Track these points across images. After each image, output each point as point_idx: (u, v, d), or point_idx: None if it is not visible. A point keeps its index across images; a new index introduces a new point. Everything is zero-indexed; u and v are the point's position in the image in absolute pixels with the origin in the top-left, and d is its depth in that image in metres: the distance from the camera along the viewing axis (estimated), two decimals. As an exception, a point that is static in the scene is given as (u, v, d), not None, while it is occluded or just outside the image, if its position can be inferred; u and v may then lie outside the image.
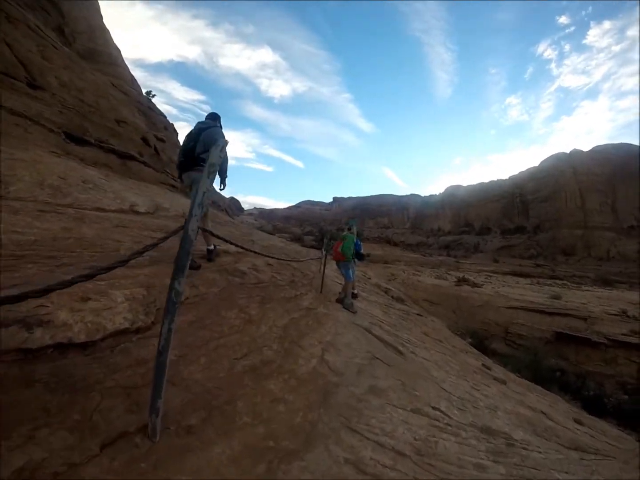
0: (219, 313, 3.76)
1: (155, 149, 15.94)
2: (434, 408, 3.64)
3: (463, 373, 6.24)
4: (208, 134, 4.81)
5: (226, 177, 5.26)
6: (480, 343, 20.52)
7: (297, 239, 53.73)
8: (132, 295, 3.15)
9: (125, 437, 1.78)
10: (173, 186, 14.68)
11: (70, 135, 10.20)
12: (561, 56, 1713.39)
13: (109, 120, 12.75)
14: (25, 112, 8.57)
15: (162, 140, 20.83)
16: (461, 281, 37.78)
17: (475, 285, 35.83)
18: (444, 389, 4.46)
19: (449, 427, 3.33)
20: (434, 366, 5.62)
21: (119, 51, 26.47)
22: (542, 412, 5.68)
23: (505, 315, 25.72)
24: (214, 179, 1.75)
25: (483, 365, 8.57)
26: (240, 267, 5.79)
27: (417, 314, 13.43)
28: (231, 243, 2.56)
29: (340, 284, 8.89)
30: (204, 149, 4.71)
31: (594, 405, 14.95)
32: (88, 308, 2.66)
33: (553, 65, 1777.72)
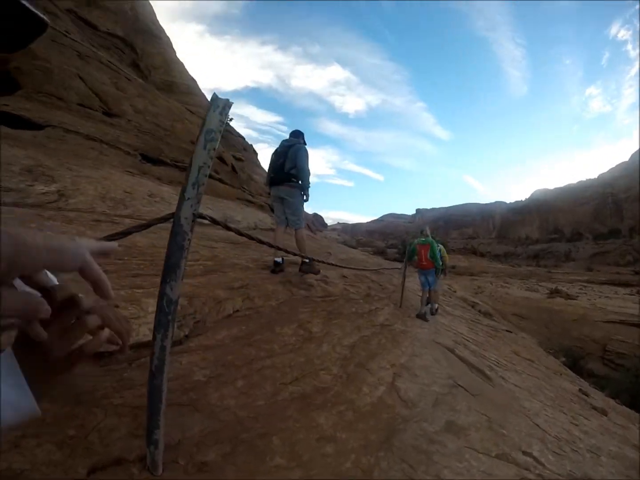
0: (272, 329, 3.43)
1: (233, 167, 16.26)
2: (524, 453, 3.00)
3: (559, 402, 5.53)
4: (294, 151, 5.16)
5: (308, 186, 5.36)
6: (575, 363, 19.10)
7: (380, 252, 53.30)
8: (168, 306, 2.91)
9: (121, 464, 1.51)
10: (250, 201, 14.88)
11: (146, 157, 10.64)
12: (636, 35, 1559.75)
13: (184, 142, 13.20)
14: (101, 137, 9.05)
15: (240, 159, 21.45)
16: (554, 293, 35.51)
17: (569, 297, 33.41)
18: (538, 426, 3.80)
19: (542, 480, 2.70)
20: (525, 394, 4.97)
21: (195, 81, 27.99)
22: None
23: (602, 330, 23.50)
24: (212, 150, 1.36)
25: (580, 390, 7.74)
26: (307, 279, 5.38)
27: (507, 330, 12.69)
28: (294, 254, 2.48)
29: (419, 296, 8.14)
30: (292, 165, 5.11)
31: None
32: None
33: (629, 46, 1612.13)
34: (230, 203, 11.65)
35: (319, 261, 3.97)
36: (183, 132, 13.58)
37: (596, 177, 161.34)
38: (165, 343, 1.39)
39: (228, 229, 1.81)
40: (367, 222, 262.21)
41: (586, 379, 12.83)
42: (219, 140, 1.40)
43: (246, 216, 9.93)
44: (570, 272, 75.24)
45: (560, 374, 9.26)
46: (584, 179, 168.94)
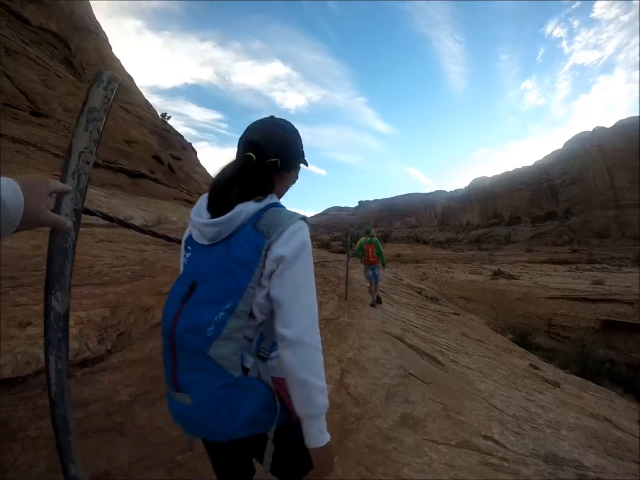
0: None
1: (170, 166, 15.74)
2: (485, 437, 2.90)
3: (512, 380, 5.54)
4: None
5: None
6: (523, 339, 19.70)
7: (325, 246, 53.00)
8: (87, 318, 2.52)
9: (43, 503, 1.25)
10: (188, 201, 14.29)
11: None
12: (571, 33, 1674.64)
13: (119, 141, 12.67)
14: (28, 139, 8.50)
15: (178, 158, 20.93)
16: (497, 274, 36.67)
17: (511, 277, 34.62)
18: (495, 407, 3.73)
19: (506, 464, 2.56)
20: (478, 376, 4.95)
21: (132, 79, 27.40)
22: (605, 418, 4.88)
23: (546, 306, 24.43)
24: (95, 132, 1.02)
25: (531, 365, 7.90)
26: None
27: (454, 314, 12.82)
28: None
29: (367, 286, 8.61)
30: None
31: None
32: (24, 335, 2.09)
33: (564, 43, 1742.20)
34: (166, 203, 11.22)
35: None
36: (117, 131, 13.06)
37: (532, 164, 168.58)
38: (61, 365, 1.09)
39: (126, 226, 1.53)
40: (311, 216, 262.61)
41: (535, 353, 13.40)
42: (105, 120, 1.08)
43: (183, 216, 9.51)
44: (511, 254, 78.23)
45: (510, 351, 9.48)
46: (521, 167, 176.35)
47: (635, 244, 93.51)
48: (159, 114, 32.28)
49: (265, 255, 0.97)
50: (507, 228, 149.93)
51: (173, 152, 21.61)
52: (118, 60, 26.32)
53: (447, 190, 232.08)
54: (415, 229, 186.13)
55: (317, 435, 1.00)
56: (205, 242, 1.06)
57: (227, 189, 1.06)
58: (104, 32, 25.24)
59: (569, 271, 45.24)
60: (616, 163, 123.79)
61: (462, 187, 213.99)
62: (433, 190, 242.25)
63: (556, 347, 20.61)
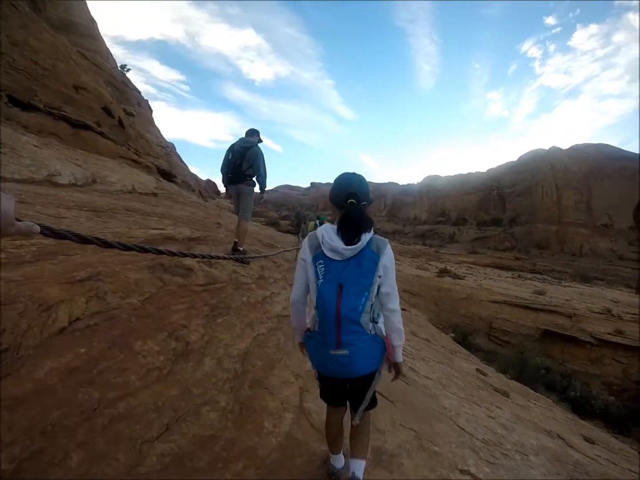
0: (129, 345, 2.26)
1: (120, 121, 14.44)
2: (462, 472, 2.61)
3: (469, 391, 5.55)
4: (252, 154, 5.57)
5: (265, 187, 5.87)
6: (464, 339, 20.08)
7: (273, 224, 51.82)
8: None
9: None
10: (135, 161, 13.29)
11: (15, 100, 9.00)
12: (545, 55, 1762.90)
13: (66, 85, 11.43)
14: None
15: (131, 114, 19.57)
16: (443, 272, 37.23)
17: (457, 277, 35.25)
18: (464, 430, 3.49)
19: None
20: (439, 388, 4.77)
21: (96, 24, 25.62)
22: (558, 435, 5.16)
23: (489, 309, 25.18)
24: None
25: (478, 370, 8.15)
26: (186, 261, 4.05)
27: (402, 309, 12.43)
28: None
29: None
30: (248, 166, 5.57)
31: (581, 407, 14.81)
32: None
33: (537, 63, 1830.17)
34: (109, 161, 10.16)
35: (252, 257, 4.57)
36: (66, 74, 11.76)
37: (485, 171, 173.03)
38: None
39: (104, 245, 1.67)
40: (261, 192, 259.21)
41: (474, 354, 13.93)
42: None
43: (124, 177, 8.70)
44: (457, 254, 79.96)
45: (455, 352, 9.70)
46: (474, 172, 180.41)
47: (572, 259, 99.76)
48: (119, 65, 30.64)
49: (378, 264, 1.75)
50: (453, 227, 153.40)
51: (127, 106, 20.44)
52: (84, 2, 24.63)
53: (400, 183, 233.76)
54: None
55: (400, 355, 1.90)
56: (338, 258, 1.75)
57: (352, 225, 1.75)
58: (73, -30, 23.02)
59: (512, 277, 46.82)
60: (565, 183, 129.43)
61: (415, 182, 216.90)
62: (386, 181, 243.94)
63: (495, 349, 21.28)
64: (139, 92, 30.60)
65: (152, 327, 2.57)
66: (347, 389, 1.90)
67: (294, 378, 3.00)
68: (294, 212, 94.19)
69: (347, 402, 1.98)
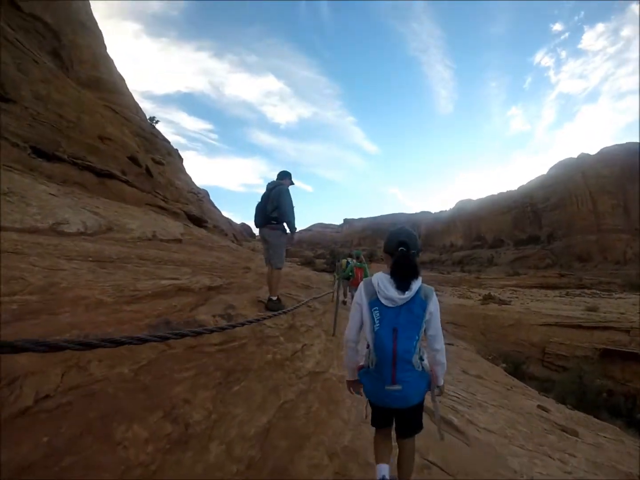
0: (108, 431, 1.71)
1: (148, 169, 14.45)
2: None
3: (537, 439, 4.99)
4: (275, 193, 5.23)
5: (294, 228, 5.41)
6: (517, 368, 19.00)
7: (308, 263, 51.49)
8: None
9: None
10: (162, 208, 13.08)
11: (39, 151, 8.95)
12: (558, 63, 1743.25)
13: (91, 137, 11.49)
14: None
15: (160, 163, 19.86)
16: (487, 299, 35.83)
17: (502, 302, 33.78)
18: None
19: None
20: (504, 442, 4.19)
21: (123, 80, 26.43)
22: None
23: (539, 333, 23.55)
24: None
25: (539, 407, 7.61)
26: (199, 316, 3.58)
27: (448, 344, 11.83)
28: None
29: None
30: (273, 207, 5.19)
31: None
32: None
33: (551, 72, 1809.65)
34: (133, 209, 9.94)
35: (284, 312, 3.97)
36: (91, 126, 11.84)
37: (516, 188, 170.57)
38: None
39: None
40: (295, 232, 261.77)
41: (529, 383, 13.39)
42: None
43: (145, 224, 8.39)
44: (499, 277, 77.32)
45: (511, 387, 9.05)
46: (505, 191, 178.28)
47: (616, 268, 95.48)
48: (148, 117, 31.43)
49: (426, 310, 2.01)
50: (490, 250, 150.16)
51: (156, 156, 20.76)
52: (111, 60, 25.28)
53: (432, 211, 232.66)
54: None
55: (442, 380, 2.22)
56: (392, 305, 1.99)
57: (403, 271, 1.98)
58: (100, 30, 24.14)
59: (560, 296, 44.60)
60: (599, 189, 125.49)
61: (447, 209, 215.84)
62: (417, 211, 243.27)
63: (550, 376, 19.78)
64: (169, 142, 31.38)
65: (144, 405, 2.00)
66: (394, 417, 2.22)
67: (328, 459, 2.41)
68: (329, 250, 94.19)
69: (394, 428, 2.27)
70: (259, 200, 5.39)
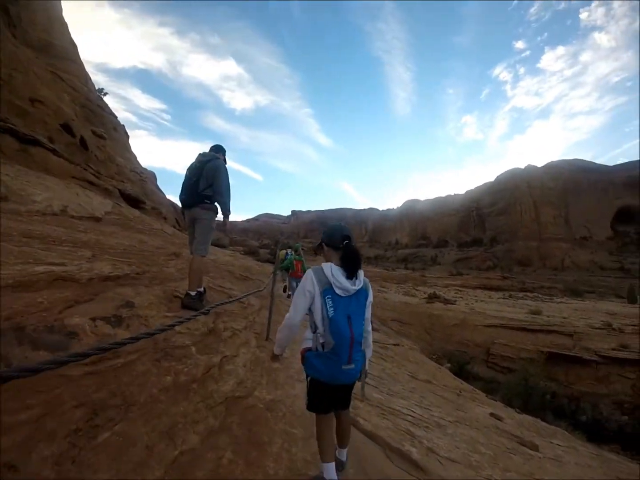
0: None
1: (83, 141, 13.08)
2: None
3: (503, 463, 4.30)
4: (212, 168, 4.42)
5: (229, 212, 4.55)
6: (461, 368, 19.20)
7: (252, 252, 50.16)
8: None
9: None
10: (92, 183, 11.85)
11: None
12: (516, 78, 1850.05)
13: (19, 97, 10.24)
14: None
15: (101, 136, 18.32)
16: (432, 298, 36.06)
17: (447, 302, 34.11)
18: None
19: None
20: (470, 475, 3.46)
21: (76, 47, 24.90)
22: None
23: (484, 334, 23.93)
24: None
25: (492, 415, 7.15)
26: (72, 319, 2.51)
27: (394, 344, 11.73)
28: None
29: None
30: (207, 185, 4.39)
31: (594, 431, 13.95)
32: None
33: (508, 86, 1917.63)
34: (52, 180, 8.77)
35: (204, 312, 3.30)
36: (23, 86, 10.66)
37: (464, 192, 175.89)
38: None
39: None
40: (241, 221, 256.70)
41: (473, 383, 13.20)
42: None
43: (57, 197, 7.31)
44: (444, 277, 79.26)
45: (460, 391, 8.70)
46: (453, 194, 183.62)
47: (554, 273, 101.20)
48: (97, 88, 29.79)
49: (367, 299, 2.31)
50: (435, 250, 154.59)
51: (99, 129, 19.29)
52: (66, 25, 23.90)
53: (380, 208, 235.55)
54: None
55: (367, 363, 2.50)
56: (345, 295, 2.17)
57: (354, 261, 2.21)
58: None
59: (503, 298, 45.91)
60: (543, 199, 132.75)
61: (395, 207, 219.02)
62: (366, 207, 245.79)
63: (495, 377, 20.16)
64: (116, 117, 29.70)
65: None
66: (340, 393, 2.34)
67: None
68: (274, 240, 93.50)
69: (334, 408, 2.39)
70: (186, 173, 4.54)
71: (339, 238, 2.30)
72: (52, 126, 11.21)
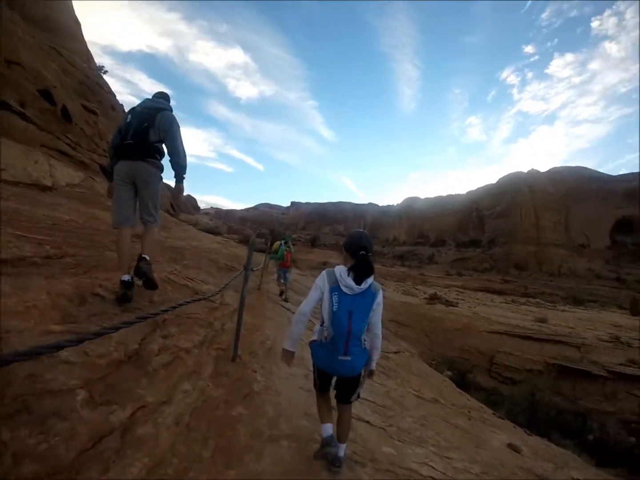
0: None
1: (66, 111, 11.83)
2: None
3: None
4: (166, 119, 3.63)
5: (183, 164, 3.68)
6: (463, 377, 18.27)
7: (247, 241, 49.35)
8: None
9: None
10: (64, 153, 10.74)
11: None
12: (523, 82, 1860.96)
13: None
14: None
15: (93, 112, 17.09)
16: (433, 298, 34.89)
17: (449, 303, 33.00)
18: None
19: None
20: None
21: (79, 25, 23.90)
22: None
23: (487, 341, 22.77)
24: None
25: (510, 446, 6.13)
26: None
27: (395, 352, 10.92)
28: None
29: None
30: (158, 138, 3.60)
31: (601, 451, 12.99)
32: None
33: (515, 90, 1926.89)
34: (10, 144, 7.61)
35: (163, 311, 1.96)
36: (2, 46, 9.53)
37: (464, 193, 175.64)
38: None
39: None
40: (240, 210, 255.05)
41: (475, 394, 12.96)
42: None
43: (12, 163, 6.46)
44: (444, 277, 78.68)
45: (469, 411, 7.83)
46: (453, 194, 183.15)
47: (550, 279, 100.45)
48: (97, 66, 28.68)
49: (374, 301, 2.49)
50: (432, 249, 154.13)
51: (92, 104, 18.20)
52: (70, 3, 22.94)
53: (379, 204, 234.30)
54: (343, 237, 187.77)
55: (374, 365, 2.69)
56: (350, 293, 2.42)
57: (363, 272, 2.42)
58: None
59: (506, 303, 44.94)
60: (544, 204, 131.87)
61: (395, 203, 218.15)
62: (365, 202, 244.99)
63: (497, 388, 19.09)
64: (115, 96, 28.80)
65: None
66: (342, 384, 2.60)
67: None
68: (270, 230, 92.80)
69: (334, 395, 2.68)
70: (130, 117, 3.65)
71: (357, 248, 2.52)
72: (27, 90, 9.99)
